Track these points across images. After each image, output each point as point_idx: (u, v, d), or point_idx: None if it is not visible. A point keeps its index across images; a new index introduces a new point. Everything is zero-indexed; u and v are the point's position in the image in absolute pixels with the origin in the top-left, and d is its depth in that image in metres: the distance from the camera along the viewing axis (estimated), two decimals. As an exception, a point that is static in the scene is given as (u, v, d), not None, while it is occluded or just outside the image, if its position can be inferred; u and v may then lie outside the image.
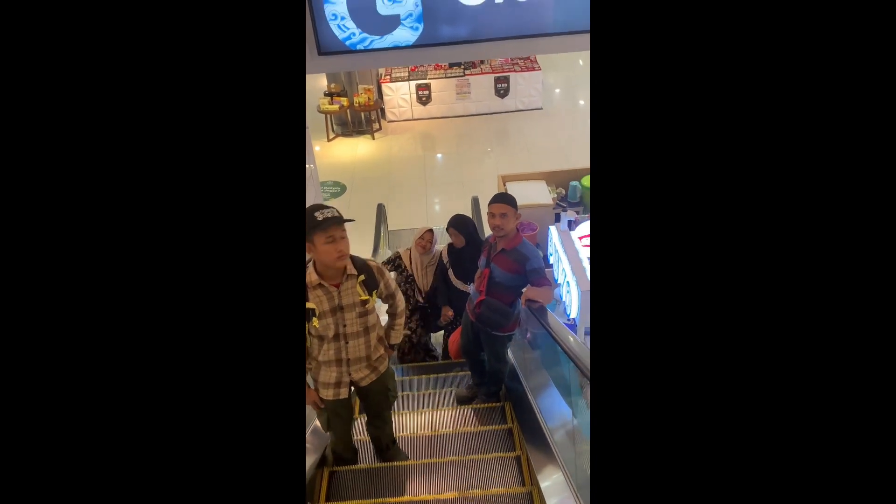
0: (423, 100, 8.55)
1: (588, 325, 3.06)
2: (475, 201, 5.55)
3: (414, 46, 3.25)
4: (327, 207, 1.83)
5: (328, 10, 3.14)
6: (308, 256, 1.90)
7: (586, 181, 4.85)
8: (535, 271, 2.45)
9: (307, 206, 1.78)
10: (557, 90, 9.39)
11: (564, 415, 2.53)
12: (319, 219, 1.77)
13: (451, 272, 3.29)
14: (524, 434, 2.57)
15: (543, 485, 2.18)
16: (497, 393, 3.03)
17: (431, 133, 8.47)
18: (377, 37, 3.22)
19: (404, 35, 3.22)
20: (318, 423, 2.47)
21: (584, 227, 3.56)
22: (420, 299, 3.49)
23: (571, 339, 2.10)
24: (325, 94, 8.20)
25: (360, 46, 3.23)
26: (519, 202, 2.50)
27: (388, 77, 8.51)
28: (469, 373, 3.10)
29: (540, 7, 3.19)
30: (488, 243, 2.61)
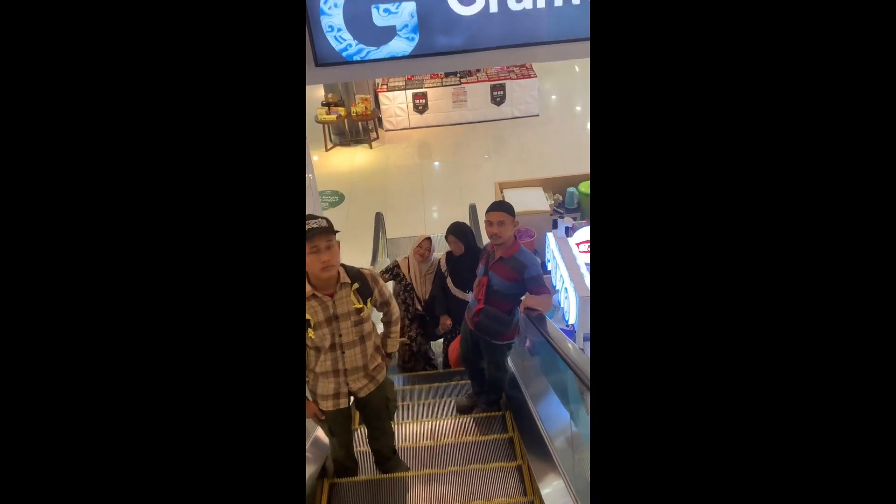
0: (420, 108, 8.60)
1: (587, 331, 3.07)
2: (472, 209, 5.57)
3: (410, 57, 3.28)
4: (315, 217, 1.82)
5: (325, 21, 3.17)
6: None
7: (583, 187, 4.87)
8: (533, 279, 2.45)
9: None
10: (554, 97, 9.45)
11: (565, 423, 2.52)
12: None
13: (449, 280, 3.29)
14: (525, 443, 2.56)
15: (544, 492, 2.18)
16: (497, 402, 3.02)
17: (428, 141, 8.51)
18: (373, 48, 3.25)
19: (400, 46, 3.25)
20: (318, 433, 2.47)
21: (582, 234, 3.57)
22: (419, 308, 3.49)
23: (571, 347, 2.10)
24: (323, 104, 8.24)
25: (356, 57, 3.26)
26: (516, 209, 2.51)
27: (385, 86, 8.56)
28: (469, 382, 3.09)
29: (534, 16, 3.22)
30: (486, 251, 2.61)
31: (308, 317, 1.90)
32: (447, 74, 8.51)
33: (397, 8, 3.14)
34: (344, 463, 2.38)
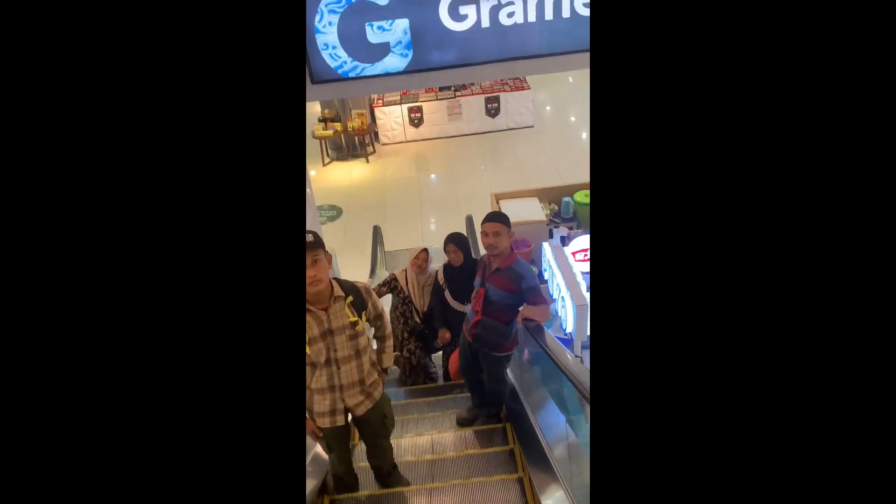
0: (416, 122, 8.67)
1: (584, 340, 3.08)
2: (469, 220, 5.60)
3: (404, 73, 3.32)
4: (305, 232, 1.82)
5: (319, 39, 3.22)
6: None
7: (579, 197, 4.90)
8: (530, 289, 2.46)
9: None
10: (548, 107, 9.54)
11: (565, 434, 2.52)
12: None
13: (447, 293, 3.29)
14: (526, 455, 2.55)
15: (546, 503, 2.17)
16: (498, 414, 3.01)
17: (425, 154, 8.57)
18: (368, 64, 3.30)
19: (394, 62, 3.30)
20: (318, 449, 2.46)
21: (578, 243, 3.59)
22: (418, 320, 3.49)
23: (570, 358, 2.10)
24: (319, 120, 8.31)
25: (351, 74, 3.30)
26: (513, 219, 2.52)
27: (381, 101, 8.64)
28: (469, 394, 3.08)
29: (525, 30, 3.27)
30: (483, 262, 2.62)
31: None
32: (442, 88, 8.59)
33: (391, 25, 3.19)
34: (344, 479, 2.36)
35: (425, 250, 3.44)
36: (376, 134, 8.68)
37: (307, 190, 4.04)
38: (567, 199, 4.95)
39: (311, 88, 3.33)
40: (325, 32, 3.19)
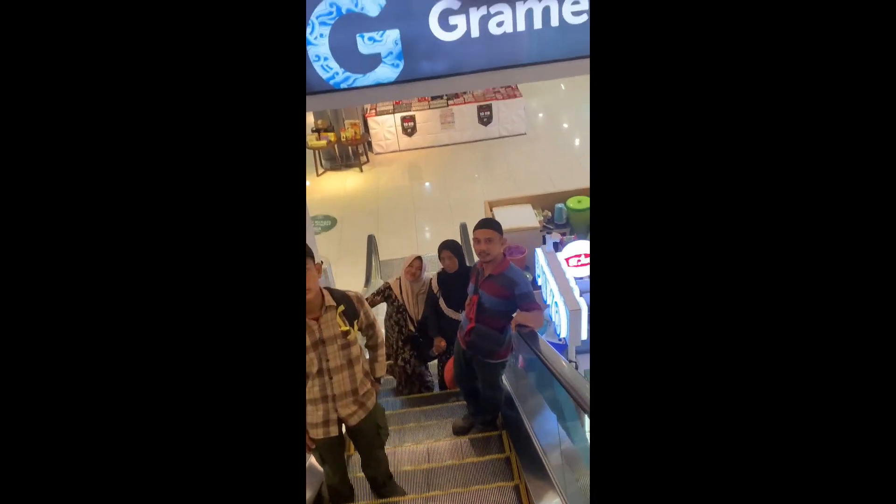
0: (409, 131, 8.71)
1: (579, 344, 3.10)
2: (463, 228, 5.62)
3: (396, 83, 3.36)
4: None
5: (311, 51, 3.25)
6: None
7: (571, 203, 4.94)
8: (523, 295, 2.46)
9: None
10: (541, 115, 9.60)
11: (561, 440, 2.52)
12: None
13: (441, 301, 3.30)
14: (522, 462, 2.54)
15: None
16: (494, 421, 3.00)
17: (418, 163, 8.61)
18: (360, 75, 3.33)
19: (386, 72, 3.33)
20: (313, 460, 2.44)
21: (571, 248, 3.62)
22: (412, 329, 3.48)
23: (564, 364, 2.10)
24: (313, 131, 8.34)
25: (343, 85, 3.33)
26: (506, 226, 2.53)
27: (374, 111, 8.69)
28: (465, 402, 3.08)
29: (514, 39, 3.32)
30: (476, 270, 2.63)
31: None
32: (434, 97, 8.65)
33: (381, 36, 3.23)
34: (339, 490, 2.34)
35: (419, 258, 3.45)
36: (370, 143, 8.72)
37: (301, 200, 4.05)
38: (560, 205, 4.98)
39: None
40: (317, 44, 3.22)
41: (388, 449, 2.39)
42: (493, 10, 3.18)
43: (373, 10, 3.15)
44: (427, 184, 8.25)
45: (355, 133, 8.26)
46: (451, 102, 8.67)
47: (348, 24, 3.18)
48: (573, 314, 3.01)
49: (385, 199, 7.79)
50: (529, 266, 4.16)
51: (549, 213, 5.07)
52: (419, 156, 8.71)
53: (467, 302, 2.65)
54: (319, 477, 2.43)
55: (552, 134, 9.01)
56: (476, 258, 2.60)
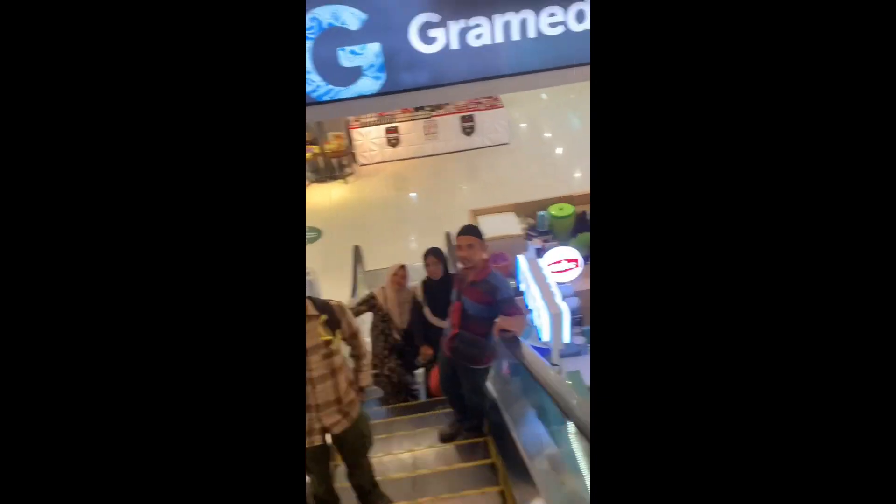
0: (393, 142, 8.77)
1: (562, 348, 3.15)
2: (449, 237, 5.67)
3: (378, 94, 3.41)
4: None
5: (293, 65, 3.30)
6: None
7: (553, 210, 5.02)
8: (506, 301, 2.48)
9: None
10: (523, 125, 9.73)
11: (545, 445, 2.53)
12: None
13: (427, 309, 3.31)
14: (507, 467, 2.55)
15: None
16: (479, 427, 3.00)
17: (403, 174, 8.66)
18: (342, 87, 3.37)
19: (368, 85, 3.38)
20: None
21: (552, 254, 3.69)
22: (398, 338, 3.49)
23: (548, 369, 2.13)
24: (297, 143, 8.36)
25: (326, 97, 3.37)
26: (490, 234, 2.57)
27: (358, 123, 8.74)
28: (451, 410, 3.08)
29: (494, 51, 3.39)
30: (459, 276, 2.65)
31: None
32: (417, 108, 8.73)
33: (363, 49, 3.29)
34: (325, 499, 2.32)
35: (403, 267, 3.47)
36: (354, 155, 8.76)
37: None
38: (542, 212, 5.06)
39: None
40: (299, 57, 3.27)
41: (374, 457, 2.39)
42: (471, 22, 3.26)
43: (353, 24, 3.21)
44: (412, 194, 8.30)
45: (339, 145, 8.29)
46: (434, 113, 8.76)
47: (330, 39, 3.23)
48: (554, 318, 3.07)
49: (370, 210, 7.81)
50: (513, 273, 4.22)
51: (532, 221, 5.15)
52: (404, 167, 8.76)
53: (451, 309, 2.67)
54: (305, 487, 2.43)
55: (534, 143, 9.13)
56: (459, 266, 2.64)
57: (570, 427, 2.44)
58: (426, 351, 3.33)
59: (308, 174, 8.53)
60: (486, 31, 3.31)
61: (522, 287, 3.81)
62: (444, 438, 3.00)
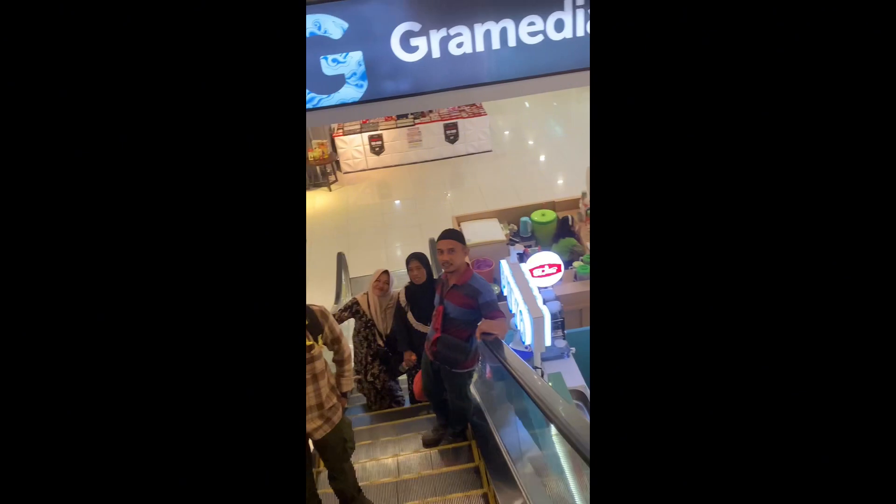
0: (377, 150, 8.80)
1: (543, 351, 3.19)
2: (432, 243, 5.70)
3: (360, 102, 3.44)
4: None
5: (275, 72, 3.31)
6: None
7: (536, 216, 5.09)
8: (487, 304, 2.51)
9: None
10: (507, 132, 9.84)
11: (529, 447, 2.56)
12: None
13: (410, 315, 3.33)
14: (490, 471, 2.57)
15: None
16: (463, 432, 3.02)
17: (387, 181, 8.68)
18: (324, 95, 3.40)
19: (350, 93, 3.41)
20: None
21: (535, 259, 3.74)
22: (381, 344, 3.49)
23: (531, 371, 2.16)
24: (280, 150, 8.33)
25: (309, 105, 3.40)
26: (474, 240, 2.60)
27: (341, 130, 8.75)
28: (435, 415, 3.09)
29: (474, 59, 3.45)
30: (441, 281, 2.68)
31: None
32: (400, 116, 8.78)
33: (345, 58, 3.32)
34: (308, 506, 2.35)
35: (386, 272, 3.48)
36: (338, 163, 8.76)
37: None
38: (525, 218, 5.12)
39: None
40: (281, 65, 3.29)
41: (358, 463, 2.39)
42: (452, 31, 3.31)
43: (335, 33, 3.24)
44: (396, 201, 8.32)
45: (323, 153, 8.29)
46: (417, 121, 8.82)
47: (312, 47, 3.26)
48: (537, 321, 3.11)
49: (354, 217, 7.82)
50: (496, 278, 4.26)
51: (515, 227, 5.20)
52: (388, 174, 8.79)
53: (434, 313, 2.69)
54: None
55: (517, 151, 9.23)
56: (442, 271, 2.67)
57: (553, 430, 2.47)
58: (409, 357, 3.34)
59: (291, 182, 8.50)
60: (466, 40, 3.37)
61: (505, 292, 3.85)
62: (428, 443, 3.00)
